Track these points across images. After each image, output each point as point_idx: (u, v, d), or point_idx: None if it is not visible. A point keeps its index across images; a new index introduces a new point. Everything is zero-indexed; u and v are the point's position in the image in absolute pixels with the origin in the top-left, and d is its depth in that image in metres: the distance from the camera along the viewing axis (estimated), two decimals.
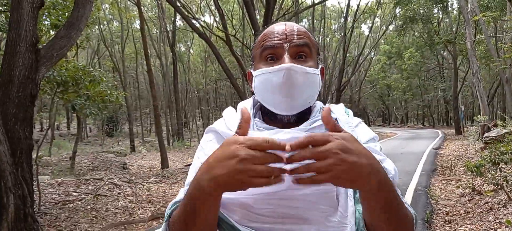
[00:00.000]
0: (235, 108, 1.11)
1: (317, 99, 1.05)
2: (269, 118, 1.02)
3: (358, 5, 28.37)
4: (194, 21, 14.78)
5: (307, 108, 1.01)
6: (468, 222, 5.56)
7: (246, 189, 0.71)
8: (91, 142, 30.49)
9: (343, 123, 1.01)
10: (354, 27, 30.69)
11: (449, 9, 26.71)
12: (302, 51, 0.96)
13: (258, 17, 16.77)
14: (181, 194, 0.95)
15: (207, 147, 1.01)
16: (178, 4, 14.02)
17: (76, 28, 5.49)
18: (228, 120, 1.03)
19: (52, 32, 8.41)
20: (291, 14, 18.16)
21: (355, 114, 1.09)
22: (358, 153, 0.71)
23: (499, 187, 6.28)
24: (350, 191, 0.95)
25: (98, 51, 32.60)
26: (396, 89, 41.34)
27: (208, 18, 41.46)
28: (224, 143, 0.74)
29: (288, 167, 0.71)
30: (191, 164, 1.05)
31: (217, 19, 24.42)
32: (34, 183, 5.83)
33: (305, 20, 31.85)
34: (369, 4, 30.68)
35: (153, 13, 32.07)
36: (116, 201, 7.81)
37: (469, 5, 16.35)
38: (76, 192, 8.42)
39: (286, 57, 0.94)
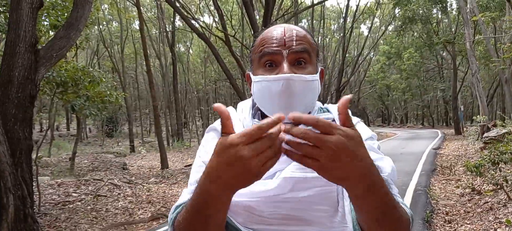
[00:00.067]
0: (235, 108, 1.11)
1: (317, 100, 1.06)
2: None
3: (357, 6, 28.37)
4: (193, 22, 14.78)
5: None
6: (468, 222, 5.56)
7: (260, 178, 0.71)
8: (91, 143, 30.49)
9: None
10: (354, 28, 30.70)
11: (448, 9, 26.73)
12: (301, 57, 0.94)
13: (257, 17, 16.77)
14: (184, 195, 0.95)
15: (208, 145, 1.01)
16: (177, 4, 14.01)
17: (75, 29, 5.49)
18: None
19: (51, 33, 8.41)
20: (290, 14, 18.16)
21: (355, 115, 1.09)
22: (353, 155, 0.69)
23: (498, 186, 6.28)
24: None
25: (98, 51, 32.58)
26: (396, 90, 41.35)
27: (207, 19, 41.49)
28: (219, 148, 0.70)
29: (285, 136, 0.70)
30: (191, 164, 1.06)
31: (216, 20, 24.41)
32: (34, 184, 5.82)
33: (304, 20, 31.87)
34: (368, 5, 30.69)
35: (153, 13, 32.06)
36: (116, 201, 7.81)
37: (468, 6, 16.36)
38: (76, 192, 8.41)
39: (285, 65, 0.92)
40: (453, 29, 26.76)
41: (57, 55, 5.33)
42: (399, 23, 27.24)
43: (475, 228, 5.27)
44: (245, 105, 1.07)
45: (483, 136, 12.97)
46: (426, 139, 22.33)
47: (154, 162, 15.67)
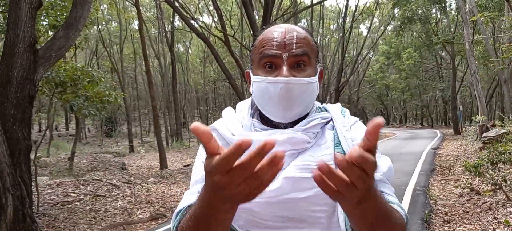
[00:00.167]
0: (234, 108, 1.12)
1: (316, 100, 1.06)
2: (266, 120, 1.02)
3: (356, 6, 28.43)
4: (192, 22, 14.77)
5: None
6: (466, 222, 5.57)
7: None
8: (90, 143, 30.45)
9: (338, 122, 1.01)
10: (353, 28, 30.74)
11: (447, 9, 26.76)
12: (301, 60, 0.95)
13: (256, 17, 16.77)
14: (185, 198, 0.95)
15: None
16: (177, 4, 14.00)
17: (74, 29, 5.48)
18: (228, 120, 1.04)
19: (50, 33, 8.41)
20: (289, 14, 18.16)
21: (354, 115, 1.09)
22: (374, 191, 0.70)
23: (497, 186, 6.29)
24: None
25: (97, 51, 32.55)
26: (395, 90, 41.39)
27: (206, 19, 41.50)
28: (205, 173, 0.67)
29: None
30: (189, 164, 1.06)
31: (215, 20, 24.43)
32: (33, 184, 5.82)
33: (303, 20, 31.87)
34: (367, 5, 30.71)
35: (152, 13, 32.05)
36: (115, 201, 7.80)
37: (467, 6, 16.38)
38: (74, 192, 8.40)
39: (284, 68, 0.93)
40: (452, 29, 26.79)
41: (56, 55, 5.32)
42: (398, 23, 27.26)
43: (473, 228, 5.27)
44: (244, 106, 1.08)
45: (482, 136, 12.99)
46: (425, 139, 22.35)
47: (153, 162, 15.65)
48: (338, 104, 1.11)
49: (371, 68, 43.51)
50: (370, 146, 0.63)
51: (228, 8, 28.09)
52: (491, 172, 6.84)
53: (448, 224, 5.62)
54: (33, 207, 5.45)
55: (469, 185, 7.47)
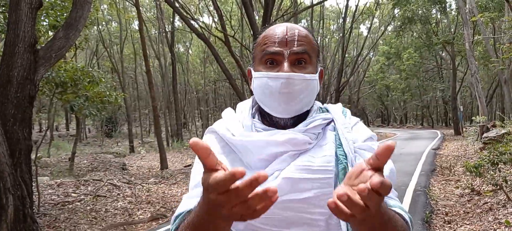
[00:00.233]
0: (234, 109, 1.12)
1: (315, 99, 1.06)
2: (267, 119, 1.02)
3: (356, 6, 28.40)
4: (192, 22, 14.77)
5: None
6: (467, 222, 5.56)
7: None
8: (90, 143, 30.47)
9: (340, 123, 1.01)
10: (353, 28, 30.73)
11: (448, 9, 26.75)
12: (302, 58, 0.97)
13: (256, 17, 16.77)
14: (184, 202, 0.95)
15: None
16: (177, 4, 14.01)
17: (74, 29, 5.48)
18: (227, 121, 1.04)
19: (50, 33, 8.41)
20: (289, 15, 18.15)
21: (354, 115, 1.09)
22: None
23: (498, 187, 6.29)
24: None
25: (97, 52, 32.56)
26: (395, 90, 41.36)
27: (206, 19, 41.52)
28: (203, 188, 0.68)
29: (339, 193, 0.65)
30: (190, 164, 1.06)
31: (215, 20, 24.44)
32: (33, 184, 5.82)
33: (303, 20, 31.87)
34: (367, 5, 30.71)
35: (152, 13, 32.06)
36: (116, 202, 7.80)
37: (467, 6, 16.38)
38: (75, 193, 8.40)
39: (285, 64, 0.95)
40: (452, 30, 26.79)
41: (56, 55, 5.32)
42: (399, 23, 27.24)
43: (474, 229, 5.27)
44: (244, 106, 1.08)
45: (483, 136, 12.98)
46: (426, 139, 22.34)
47: (154, 162, 15.66)
48: (339, 104, 1.11)
49: (371, 68, 43.50)
50: (379, 165, 0.66)
51: (228, 9, 28.10)
52: (492, 173, 6.84)
53: (449, 225, 5.62)
54: (33, 207, 5.45)
55: (470, 185, 7.47)
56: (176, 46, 33.76)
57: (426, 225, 5.64)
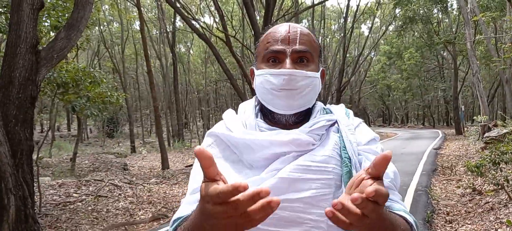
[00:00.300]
0: (235, 109, 1.12)
1: (317, 100, 1.07)
2: (270, 118, 1.03)
3: (357, 6, 28.34)
4: (194, 22, 14.79)
5: (308, 110, 1.03)
6: (469, 222, 5.55)
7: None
8: (92, 143, 30.50)
9: (343, 125, 1.01)
10: (354, 28, 30.70)
11: (449, 9, 26.71)
12: (304, 56, 0.99)
13: (258, 18, 16.77)
14: (182, 207, 0.96)
15: None
16: (178, 5, 14.02)
17: (76, 30, 5.49)
18: (228, 122, 1.04)
19: (52, 34, 8.42)
20: (291, 15, 18.15)
21: (355, 115, 1.09)
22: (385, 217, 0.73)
23: (499, 187, 6.28)
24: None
25: (98, 52, 32.59)
26: (396, 90, 41.32)
27: (208, 19, 41.50)
28: (200, 196, 0.69)
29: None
30: (191, 164, 1.06)
31: (217, 20, 24.44)
32: (35, 184, 5.83)
33: (305, 20, 31.85)
34: (368, 5, 30.68)
35: (153, 14, 32.09)
36: (117, 202, 7.81)
37: (468, 6, 16.36)
38: (76, 193, 8.42)
39: (287, 61, 0.96)
40: (453, 29, 26.75)
41: (58, 56, 5.33)
42: (400, 23, 27.23)
43: (476, 228, 5.26)
44: (247, 106, 1.09)
45: (484, 136, 12.97)
46: (427, 139, 22.31)
47: (155, 163, 15.67)
48: (342, 105, 1.11)
49: (373, 68, 43.45)
50: (377, 175, 0.67)
51: (229, 9, 28.11)
52: (493, 172, 6.83)
53: (450, 224, 5.61)
54: (35, 208, 5.47)
55: (471, 185, 7.45)
56: (177, 46, 33.77)
57: (427, 224, 5.64)
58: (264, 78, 0.99)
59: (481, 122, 15.09)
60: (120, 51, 29.09)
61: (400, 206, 0.93)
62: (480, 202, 6.46)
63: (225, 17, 15.02)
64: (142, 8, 16.51)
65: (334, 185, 0.92)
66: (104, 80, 9.42)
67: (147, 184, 9.97)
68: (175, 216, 0.94)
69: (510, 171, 6.67)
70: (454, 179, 8.94)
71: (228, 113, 1.09)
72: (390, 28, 35.82)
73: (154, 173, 12.48)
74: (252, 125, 1.01)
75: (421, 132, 31.34)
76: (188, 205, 0.94)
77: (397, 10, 27.23)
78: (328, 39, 38.78)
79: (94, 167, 13.12)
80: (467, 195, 7.13)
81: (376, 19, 36.33)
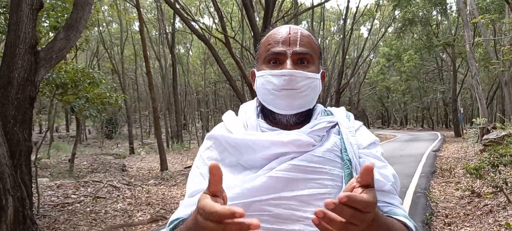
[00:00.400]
0: (234, 110, 1.12)
1: (317, 102, 1.07)
2: (271, 119, 1.04)
3: (357, 7, 28.37)
4: (193, 23, 14.77)
5: (308, 111, 1.03)
6: (467, 225, 5.55)
7: None
8: (90, 144, 30.47)
9: (344, 127, 1.02)
10: (353, 29, 30.73)
11: (448, 11, 26.77)
12: (304, 58, 1.00)
13: (257, 19, 16.79)
14: (180, 208, 0.97)
15: (204, 155, 1.04)
16: (177, 6, 14.02)
17: (75, 30, 5.49)
18: (228, 123, 1.05)
19: (51, 34, 8.41)
20: (290, 16, 18.16)
21: (354, 117, 1.10)
22: (377, 225, 0.72)
23: (498, 189, 6.28)
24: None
25: (97, 53, 32.59)
26: (395, 92, 41.39)
27: (207, 20, 41.55)
28: (197, 207, 0.71)
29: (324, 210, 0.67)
30: (190, 166, 1.06)
31: (216, 21, 24.48)
32: (33, 185, 5.82)
33: (304, 22, 31.89)
34: (368, 6, 30.73)
35: (152, 15, 32.08)
36: (115, 203, 7.80)
37: (468, 8, 16.40)
38: (75, 194, 8.40)
39: (288, 62, 0.98)
40: (452, 31, 26.80)
41: (57, 56, 5.33)
42: (399, 25, 27.28)
43: None
44: (249, 107, 1.09)
45: (483, 138, 12.98)
46: (426, 141, 22.33)
47: (154, 164, 15.65)
48: (343, 108, 1.13)
49: (372, 70, 43.52)
50: (365, 184, 0.68)
51: (229, 10, 28.12)
52: (492, 175, 6.83)
53: (449, 227, 5.61)
54: (33, 209, 5.45)
55: (470, 187, 7.46)
56: (177, 47, 33.78)
57: (426, 227, 5.63)
58: (265, 79, 1.00)
59: (480, 124, 15.11)
60: (119, 52, 29.08)
61: (400, 210, 0.93)
62: (479, 204, 6.46)
63: (224, 18, 15.02)
64: (141, 9, 16.51)
65: (331, 186, 0.92)
66: (103, 81, 9.41)
67: (146, 185, 9.95)
68: (172, 217, 0.95)
69: (509, 174, 6.68)
70: (453, 181, 8.94)
71: (228, 115, 1.10)
72: (390, 30, 35.88)
73: (152, 174, 12.46)
74: (253, 125, 1.02)
75: (420, 134, 31.37)
76: (185, 208, 0.95)
77: (397, 12, 27.27)
78: (327, 41, 38.81)
79: (92, 168, 13.09)
80: (466, 197, 7.12)
81: (376, 21, 36.42)
